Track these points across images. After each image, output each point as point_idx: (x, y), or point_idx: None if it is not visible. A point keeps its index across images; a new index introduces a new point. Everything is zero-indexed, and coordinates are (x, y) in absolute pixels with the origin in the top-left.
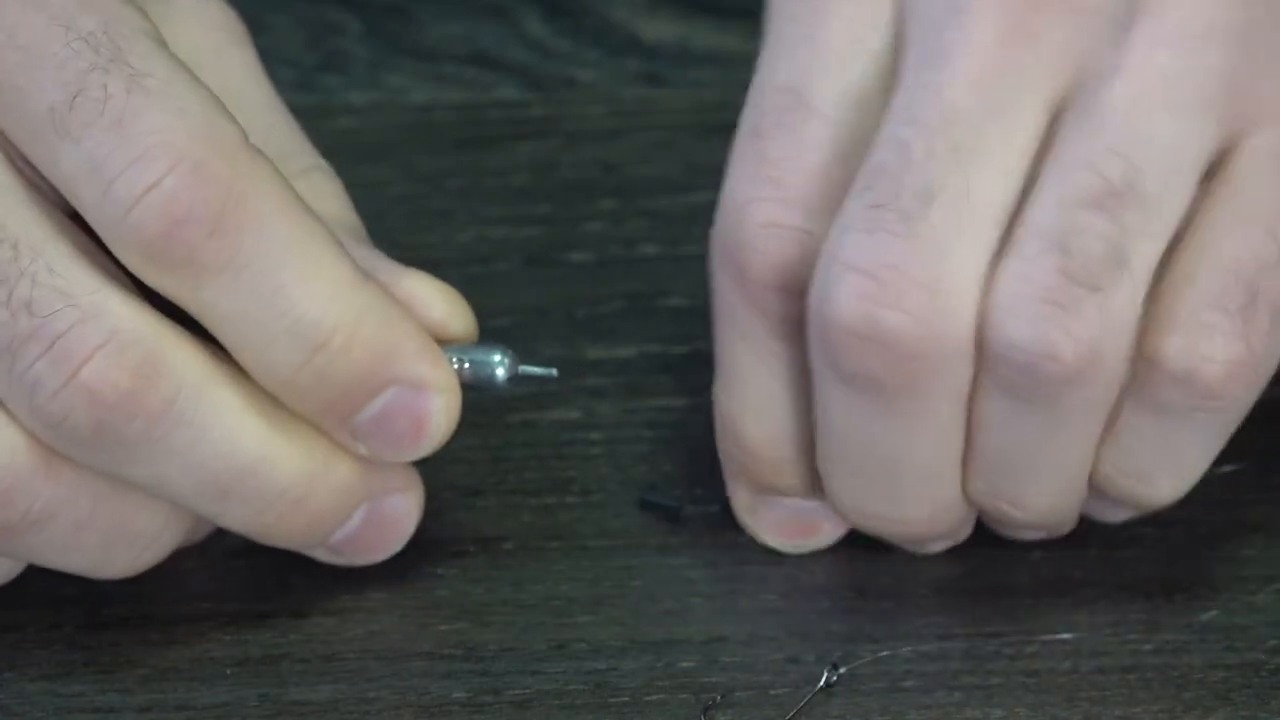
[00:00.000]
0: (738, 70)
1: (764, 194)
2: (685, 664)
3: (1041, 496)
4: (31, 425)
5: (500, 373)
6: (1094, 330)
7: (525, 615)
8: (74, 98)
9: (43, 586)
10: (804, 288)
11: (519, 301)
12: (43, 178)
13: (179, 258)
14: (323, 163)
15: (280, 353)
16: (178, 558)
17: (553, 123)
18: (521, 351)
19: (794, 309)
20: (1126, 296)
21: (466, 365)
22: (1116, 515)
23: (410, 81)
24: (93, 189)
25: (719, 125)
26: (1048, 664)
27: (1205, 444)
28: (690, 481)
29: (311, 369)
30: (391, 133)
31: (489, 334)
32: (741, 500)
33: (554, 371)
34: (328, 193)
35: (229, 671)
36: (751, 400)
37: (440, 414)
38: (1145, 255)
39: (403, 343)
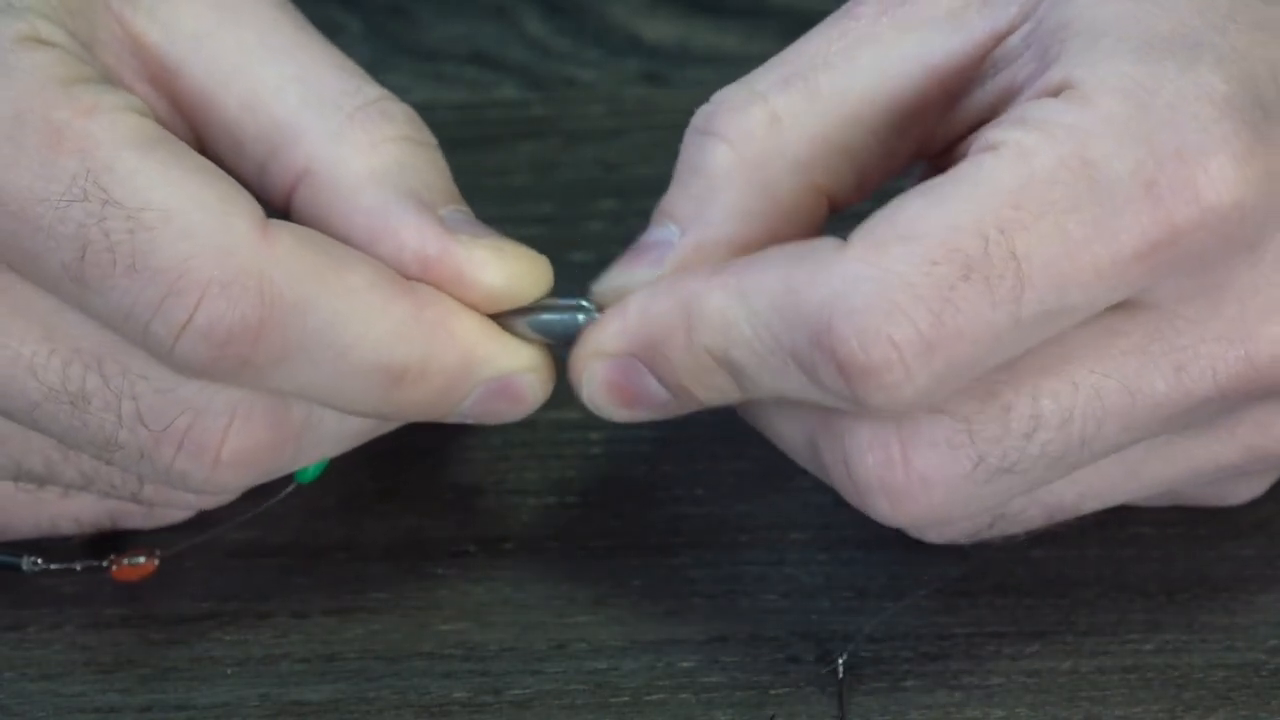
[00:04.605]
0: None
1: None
2: (685, 664)
3: None
4: (191, 494)
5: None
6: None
7: (525, 615)
8: (82, 254)
9: (43, 586)
10: None
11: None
12: None
13: (234, 369)
14: (377, 93)
15: (358, 395)
16: (178, 557)
17: (553, 123)
18: None
19: None
20: None
21: (548, 337)
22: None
23: (410, 81)
24: (131, 329)
25: None
26: (1048, 664)
27: None
28: (690, 483)
29: (393, 401)
30: None
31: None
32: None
33: None
34: (384, 135)
35: (229, 671)
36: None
37: (533, 386)
38: None
39: (475, 349)
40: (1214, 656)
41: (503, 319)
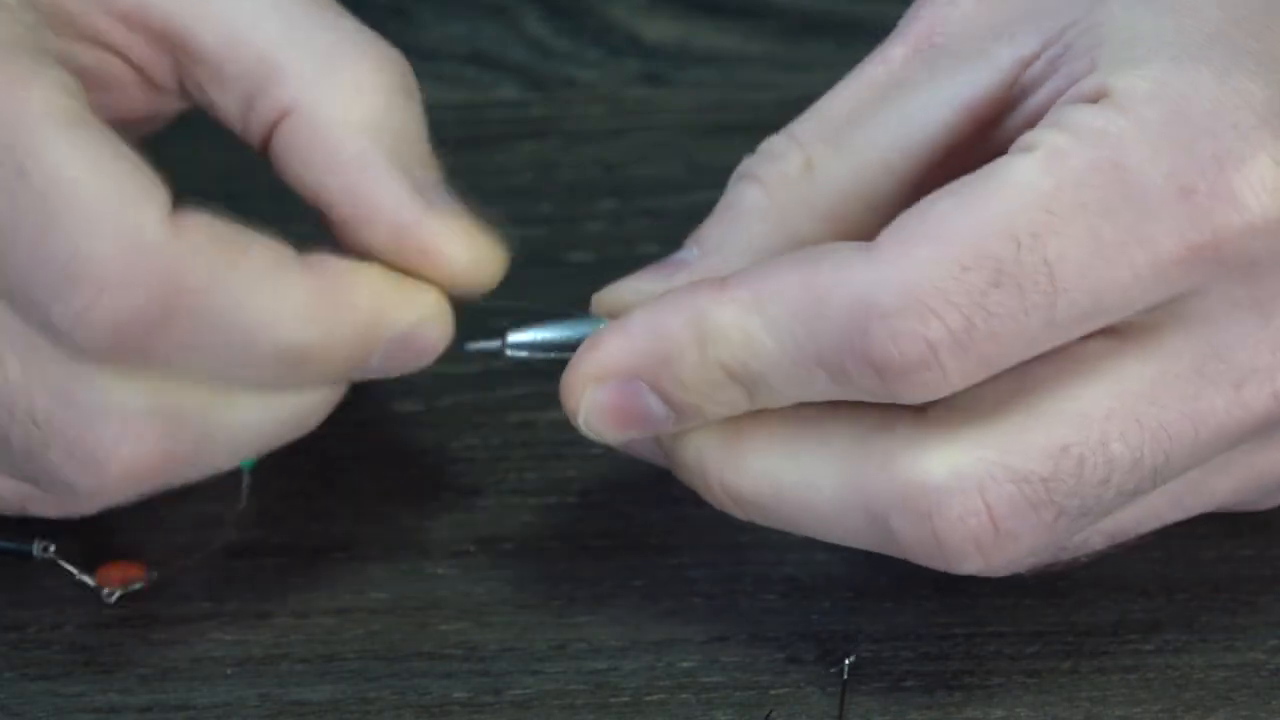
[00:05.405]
0: (738, 70)
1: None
2: (685, 664)
3: None
4: (81, 500)
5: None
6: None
7: (525, 615)
8: None
9: (43, 586)
10: None
11: (520, 301)
12: None
13: (135, 356)
14: (367, 35)
15: (267, 374)
16: (178, 557)
17: (553, 123)
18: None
19: None
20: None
21: (547, 350)
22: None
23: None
24: (33, 313)
25: (719, 125)
26: (1048, 664)
27: None
28: None
29: (300, 376)
30: None
31: (490, 334)
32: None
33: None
34: (372, 83)
35: (229, 671)
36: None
37: (435, 337)
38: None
39: (382, 312)
40: (1214, 656)
41: (506, 331)
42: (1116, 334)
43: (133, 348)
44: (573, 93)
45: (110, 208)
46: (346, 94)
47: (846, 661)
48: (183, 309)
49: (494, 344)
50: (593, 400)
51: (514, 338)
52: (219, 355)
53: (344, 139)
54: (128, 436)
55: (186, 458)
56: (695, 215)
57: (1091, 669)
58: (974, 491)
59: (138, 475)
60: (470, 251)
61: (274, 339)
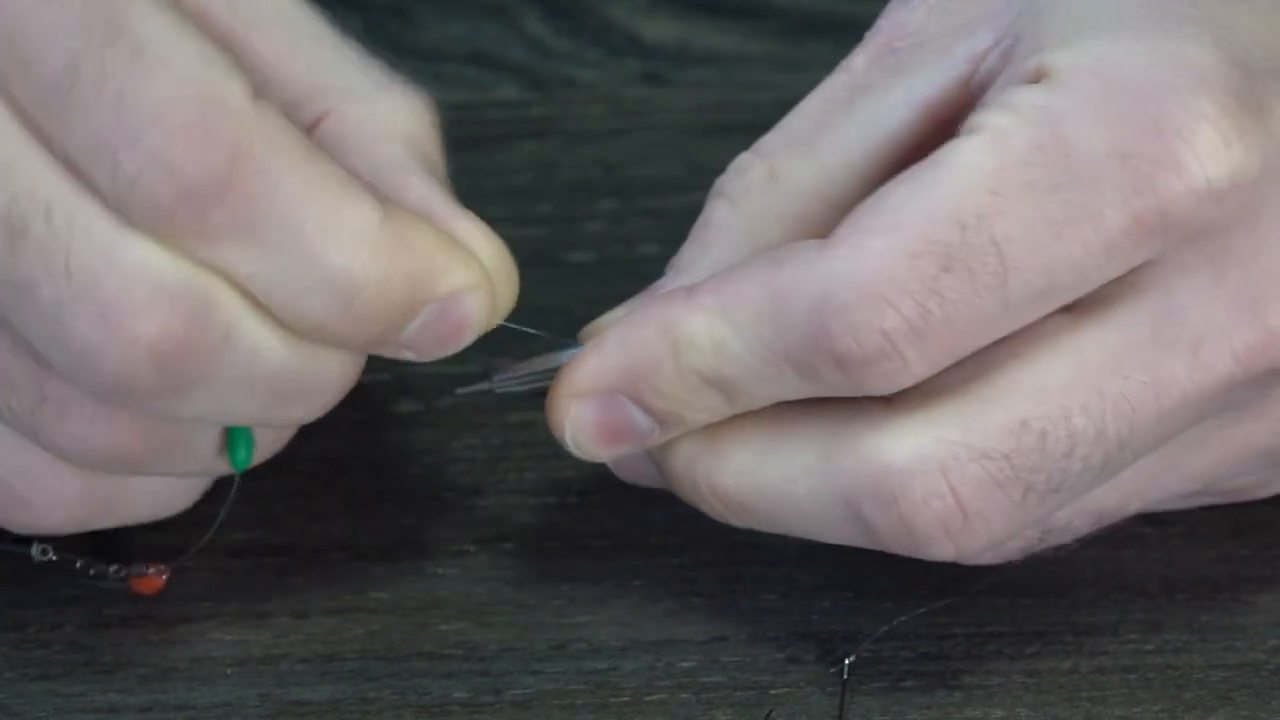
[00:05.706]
0: (738, 70)
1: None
2: (685, 664)
3: None
4: (94, 384)
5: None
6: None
7: (525, 615)
8: (76, 74)
9: (43, 586)
10: None
11: (520, 301)
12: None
13: (192, 226)
14: (400, 77)
15: (314, 303)
16: (177, 557)
17: (553, 123)
18: (520, 351)
19: None
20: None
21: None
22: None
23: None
24: (101, 164)
25: (719, 125)
26: (1048, 664)
27: None
28: None
29: (349, 314)
30: None
31: (489, 334)
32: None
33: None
34: (412, 109)
35: (229, 671)
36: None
37: (479, 310)
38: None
39: (435, 262)
40: (1214, 656)
41: (500, 368)
42: (1072, 309)
43: (190, 214)
44: (573, 93)
45: (199, 70)
46: (385, 114)
47: (846, 661)
48: (249, 184)
49: (483, 385)
50: (577, 419)
51: (502, 376)
52: (271, 253)
53: (379, 142)
54: (159, 305)
55: (208, 352)
56: (695, 215)
57: (1091, 669)
58: (936, 473)
59: (160, 352)
60: (496, 257)
61: (328, 254)
